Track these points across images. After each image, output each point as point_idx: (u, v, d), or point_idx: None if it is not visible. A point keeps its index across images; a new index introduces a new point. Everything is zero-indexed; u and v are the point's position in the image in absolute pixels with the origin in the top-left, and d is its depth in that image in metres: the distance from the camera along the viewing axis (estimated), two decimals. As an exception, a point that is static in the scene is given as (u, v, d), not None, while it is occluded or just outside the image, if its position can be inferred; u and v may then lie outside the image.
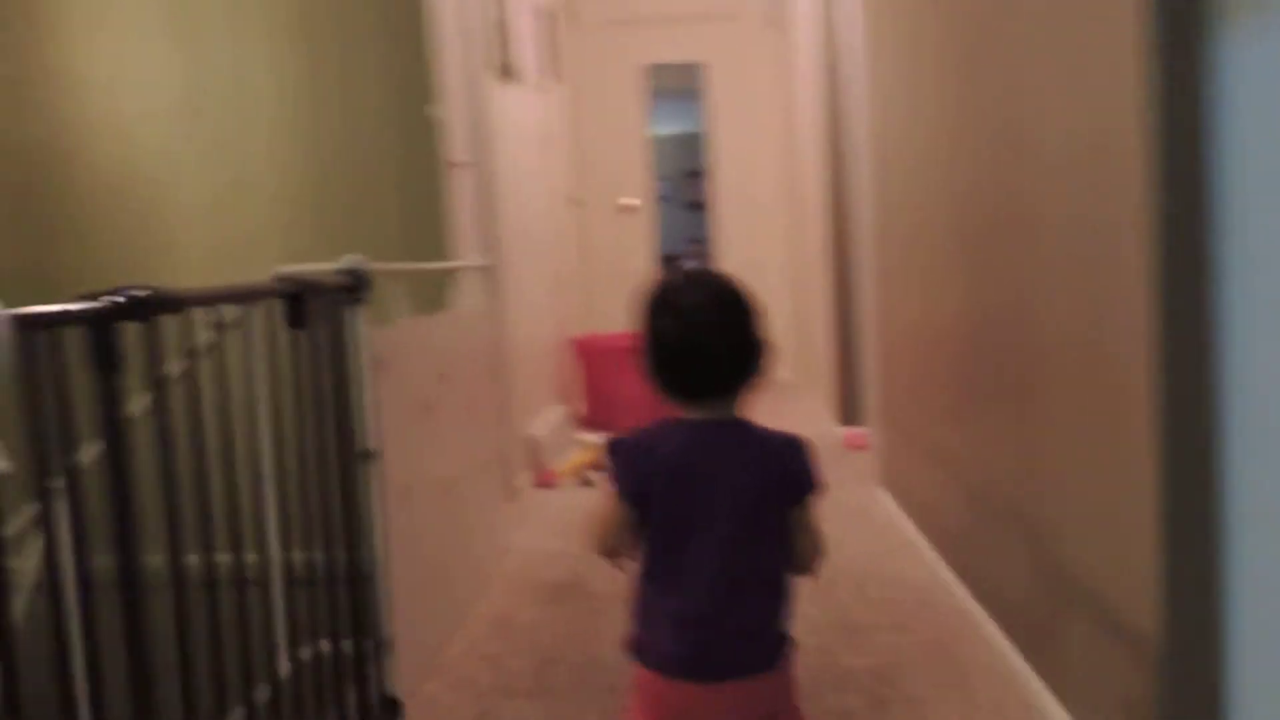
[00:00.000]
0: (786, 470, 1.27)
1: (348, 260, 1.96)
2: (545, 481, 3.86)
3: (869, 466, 3.71)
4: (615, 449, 1.28)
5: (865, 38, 3.41)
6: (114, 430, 1.14)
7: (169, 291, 1.21)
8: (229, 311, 1.50)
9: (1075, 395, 1.61)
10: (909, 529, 2.94)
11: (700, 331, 1.25)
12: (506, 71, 3.94)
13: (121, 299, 1.13)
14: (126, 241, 3.30)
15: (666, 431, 1.27)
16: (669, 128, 8.44)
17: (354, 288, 1.92)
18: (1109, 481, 1.50)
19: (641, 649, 1.31)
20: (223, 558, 1.41)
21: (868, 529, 3.04)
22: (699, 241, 7.38)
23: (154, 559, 1.23)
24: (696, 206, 7.83)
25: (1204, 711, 1.35)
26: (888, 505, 3.26)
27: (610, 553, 1.31)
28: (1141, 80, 1.31)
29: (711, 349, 1.25)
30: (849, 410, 4.56)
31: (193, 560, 1.33)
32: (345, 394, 1.85)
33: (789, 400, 5.81)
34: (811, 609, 2.38)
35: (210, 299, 1.40)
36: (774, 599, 1.28)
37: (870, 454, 3.72)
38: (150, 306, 1.18)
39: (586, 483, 3.87)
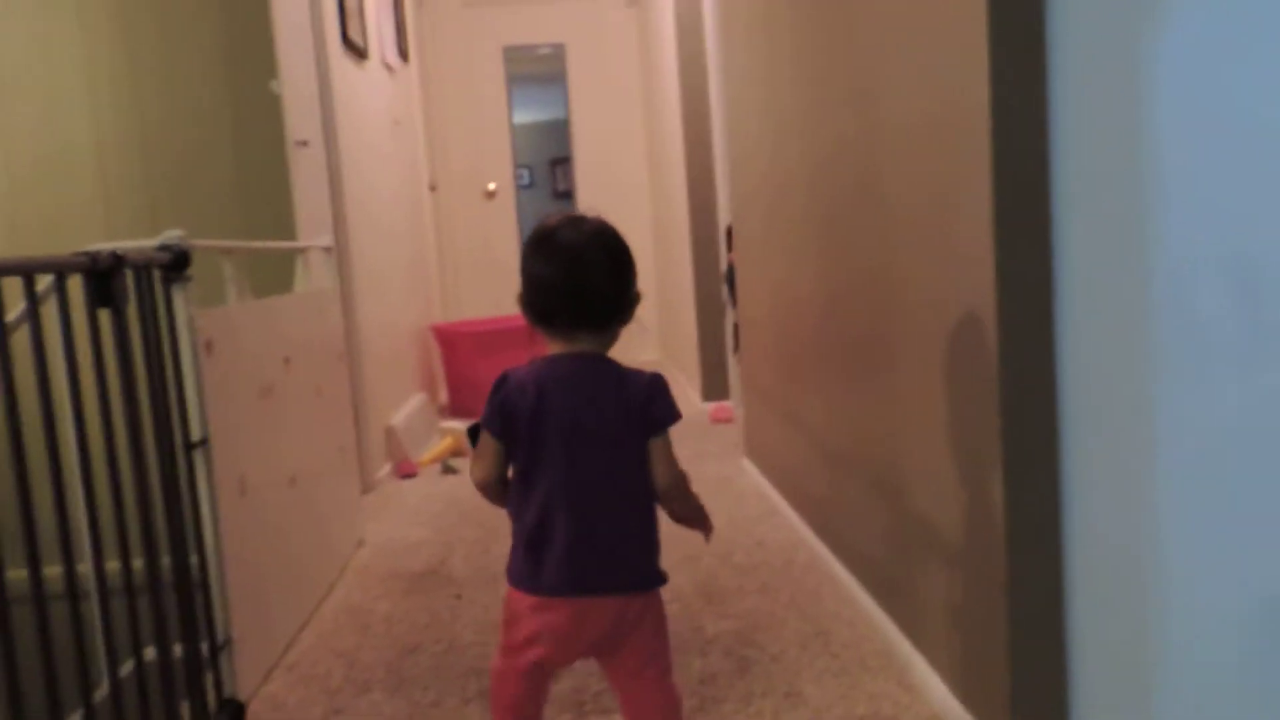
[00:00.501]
0: (647, 404, 1.32)
1: (166, 235, 1.82)
2: (406, 471, 3.74)
3: (734, 439, 3.73)
4: (494, 385, 1.35)
5: (719, 14, 3.41)
6: None
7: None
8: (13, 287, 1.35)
9: (927, 357, 1.62)
10: (773, 496, 2.96)
11: (576, 267, 1.32)
12: (354, 49, 3.78)
13: None
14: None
15: (537, 367, 1.35)
16: (533, 115, 8.32)
17: (173, 265, 1.79)
18: (958, 438, 1.52)
19: (509, 569, 1.37)
20: (17, 573, 1.27)
21: (733, 498, 3.05)
22: (566, 229, 7.30)
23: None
24: (564, 195, 7.75)
25: (1049, 648, 1.38)
26: (753, 475, 3.27)
27: (484, 485, 1.38)
28: (985, 56, 1.33)
29: (587, 284, 1.32)
30: (714, 386, 4.59)
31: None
32: (164, 379, 1.71)
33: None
34: (677, 577, 2.36)
35: (-11, 270, 1.25)
36: (632, 525, 1.35)
37: (735, 427, 3.74)
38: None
39: (449, 470, 3.76)
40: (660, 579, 1.37)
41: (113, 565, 1.51)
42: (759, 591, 2.25)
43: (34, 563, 1.27)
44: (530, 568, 1.34)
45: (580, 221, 1.38)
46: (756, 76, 2.85)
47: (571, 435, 1.32)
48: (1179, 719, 1.43)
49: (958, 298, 1.47)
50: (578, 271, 1.32)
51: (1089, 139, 1.33)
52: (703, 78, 4.39)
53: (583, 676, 1.84)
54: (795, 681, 1.79)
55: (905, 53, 1.65)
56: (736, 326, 3.79)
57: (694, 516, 1.41)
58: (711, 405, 4.47)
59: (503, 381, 1.35)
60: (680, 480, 1.36)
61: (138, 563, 1.56)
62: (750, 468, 3.34)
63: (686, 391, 5.07)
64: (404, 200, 4.79)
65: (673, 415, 1.35)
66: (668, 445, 1.35)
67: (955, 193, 1.46)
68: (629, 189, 6.67)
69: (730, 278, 3.83)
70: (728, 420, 4.18)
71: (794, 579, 2.31)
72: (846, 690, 1.74)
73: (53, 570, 1.30)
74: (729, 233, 3.73)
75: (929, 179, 1.57)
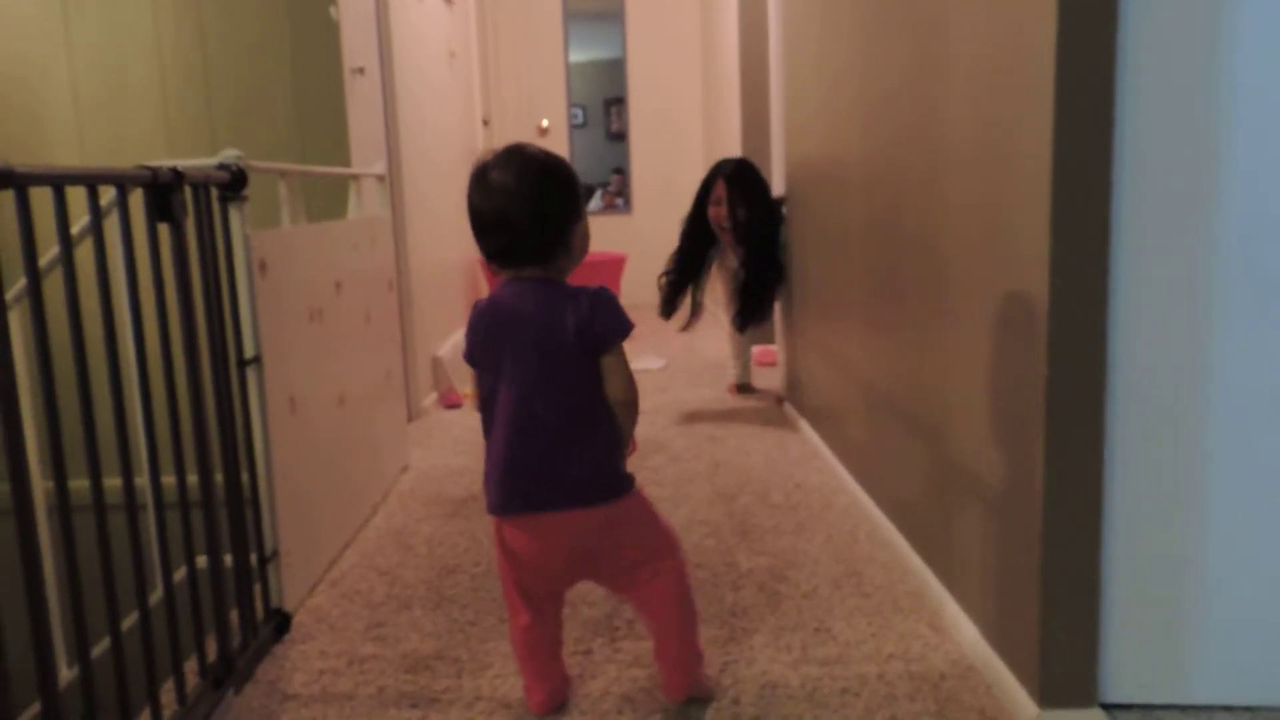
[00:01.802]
0: (590, 319, 1.37)
1: (224, 155, 1.85)
2: (451, 402, 3.80)
3: (778, 382, 3.73)
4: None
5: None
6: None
7: (-1, 165, 1.10)
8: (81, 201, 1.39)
9: (974, 304, 1.61)
10: (815, 440, 2.97)
11: (500, 201, 1.37)
12: (410, -22, 3.77)
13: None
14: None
15: (492, 294, 1.44)
16: (590, 53, 8.22)
17: (231, 184, 1.82)
18: (1002, 386, 1.51)
19: (486, 495, 1.45)
20: (81, 483, 1.31)
21: (773, 441, 3.06)
22: (620, 172, 7.24)
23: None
24: (618, 136, 7.66)
25: (1082, 595, 1.38)
26: (794, 417, 3.28)
27: (481, 414, 1.47)
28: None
29: (508, 218, 1.37)
30: (760, 330, 4.56)
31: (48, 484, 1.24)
32: (220, 296, 1.75)
33: (704, 322, 5.81)
34: (713, 514, 2.39)
35: (56, 179, 1.29)
36: (577, 441, 1.39)
37: (778, 371, 3.73)
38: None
39: (495, 402, 3.81)
40: (616, 490, 1.41)
41: (169, 480, 1.57)
42: (795, 531, 2.26)
43: (95, 474, 1.32)
44: (491, 488, 1.42)
45: (513, 155, 1.40)
46: (815, 13, 2.79)
47: (513, 356, 1.38)
48: (1211, 671, 1.43)
49: (1009, 246, 1.45)
50: (502, 205, 1.37)
51: (1158, 87, 1.29)
52: (762, 14, 4.31)
53: (616, 603, 1.88)
54: (826, 618, 1.81)
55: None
56: (699, 302, 3.67)
57: (633, 427, 1.46)
58: (756, 349, 4.46)
59: (473, 309, 1.45)
60: (631, 399, 1.42)
61: (192, 477, 1.61)
62: (792, 410, 3.34)
63: (732, 334, 5.06)
64: (458, 134, 4.79)
65: (618, 329, 1.38)
66: (619, 360, 1.40)
67: (1012, 138, 1.43)
68: (683, 130, 6.61)
69: (693, 230, 3.61)
70: (771, 364, 4.18)
71: (830, 521, 2.32)
72: (877, 629, 1.76)
73: (112, 482, 1.35)
74: (706, 184, 3.54)
75: (986, 122, 1.54)
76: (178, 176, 1.57)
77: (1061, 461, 1.36)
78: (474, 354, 1.45)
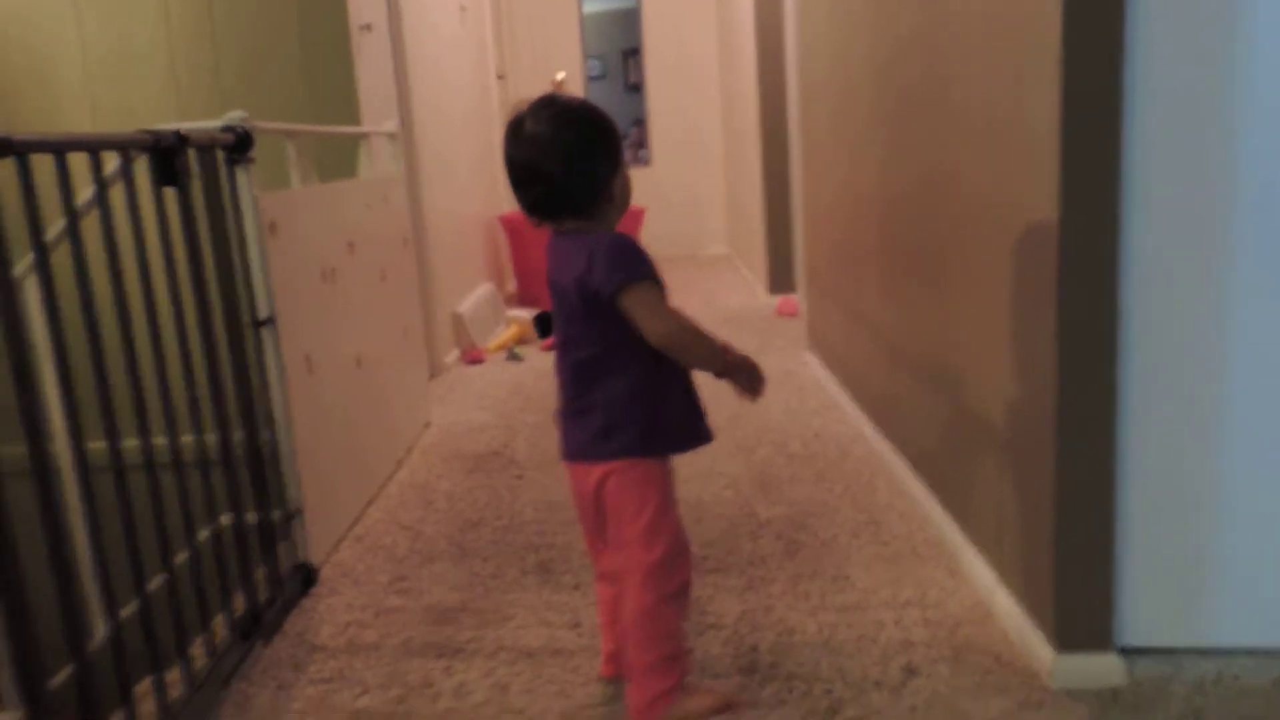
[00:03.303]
0: (589, 272, 1.28)
1: (230, 117, 1.84)
2: (473, 358, 3.81)
3: (799, 332, 3.71)
4: None
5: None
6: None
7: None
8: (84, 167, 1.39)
9: (987, 254, 1.59)
10: (834, 389, 2.95)
11: (536, 155, 1.30)
12: (416, -70, 3.72)
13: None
14: (10, 116, 3.12)
15: (546, 246, 1.40)
16: (605, 3, 8.11)
17: (236, 146, 1.81)
18: (1015, 332, 1.49)
19: None
20: (98, 444, 1.32)
21: (793, 390, 3.05)
22: (640, 124, 7.16)
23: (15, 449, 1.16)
24: (635, 88, 7.57)
25: (1096, 540, 1.37)
26: (815, 368, 3.26)
27: None
28: None
29: (545, 171, 1.30)
30: (781, 280, 4.54)
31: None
32: (230, 258, 1.75)
33: (725, 271, 5.79)
34: (732, 465, 2.39)
35: (58, 146, 1.29)
36: (584, 395, 1.35)
37: (799, 321, 3.71)
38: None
39: (514, 357, 3.82)
40: (611, 449, 1.33)
41: (188, 440, 1.58)
42: (813, 481, 2.26)
43: (112, 433, 1.33)
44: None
45: (546, 105, 1.33)
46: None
47: (558, 307, 1.37)
48: (1232, 614, 1.42)
49: (1021, 196, 1.42)
50: (536, 157, 1.30)
51: (1171, 31, 1.25)
52: (777, -42, 4.22)
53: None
54: (844, 566, 1.81)
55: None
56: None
57: (712, 361, 1.33)
58: (778, 298, 4.44)
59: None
60: (675, 333, 1.29)
61: (210, 437, 1.63)
62: (813, 360, 3.33)
63: (753, 285, 5.04)
64: (471, 89, 4.75)
65: (623, 276, 1.27)
66: (643, 300, 1.28)
67: (1021, 86, 1.39)
68: (700, 80, 6.53)
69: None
70: (793, 314, 4.15)
71: (849, 470, 2.32)
72: (895, 576, 1.76)
73: (132, 444, 1.37)
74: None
75: (995, 72, 1.50)
76: (181, 140, 1.56)
77: (1075, 405, 1.34)
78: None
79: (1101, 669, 1.39)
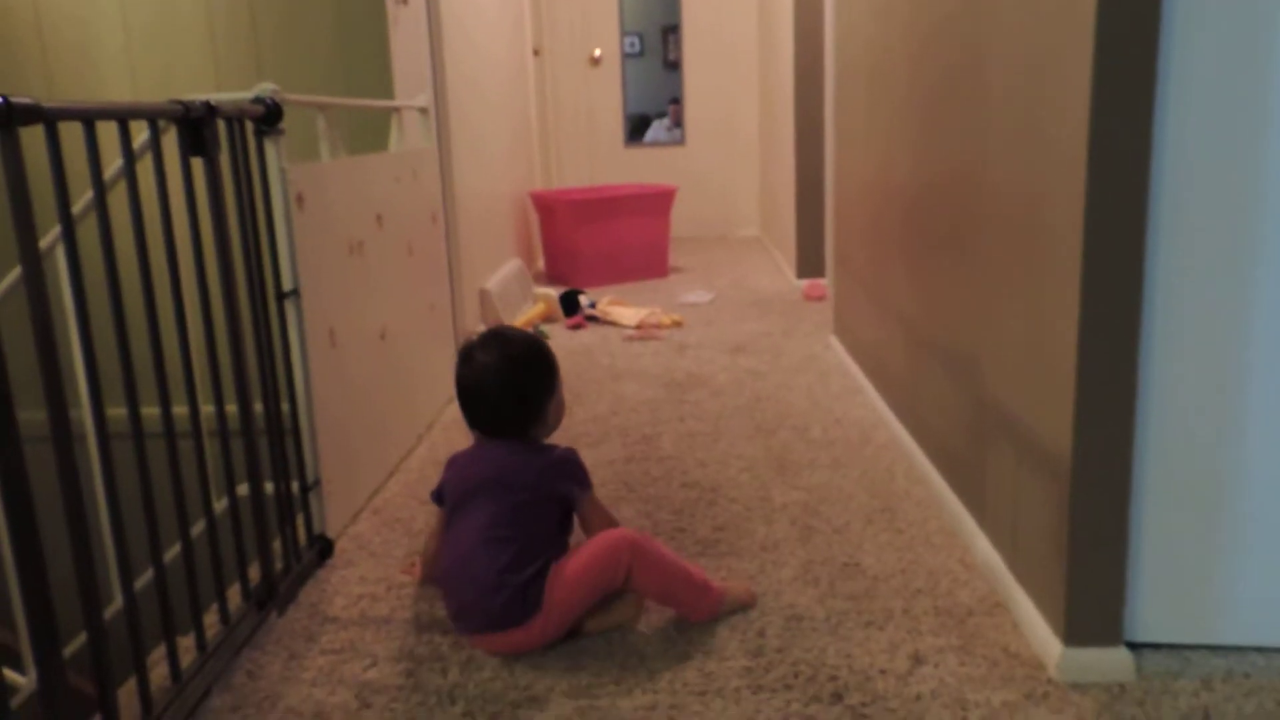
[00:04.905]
0: (556, 481, 1.60)
1: (260, 89, 1.85)
2: (500, 334, 3.82)
3: (825, 317, 3.69)
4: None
5: None
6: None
7: (26, 102, 1.12)
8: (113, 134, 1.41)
9: (1012, 244, 1.57)
10: (857, 375, 2.94)
11: (483, 381, 1.61)
12: (454, -97, 3.71)
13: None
14: (50, 83, 3.16)
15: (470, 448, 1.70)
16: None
17: (266, 118, 1.83)
18: (1036, 323, 1.47)
19: None
20: (118, 412, 1.34)
21: (816, 375, 3.04)
22: (677, 102, 7.11)
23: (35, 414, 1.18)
24: (674, 65, 7.52)
25: (1112, 529, 1.36)
26: (839, 353, 3.25)
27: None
28: None
29: (491, 397, 1.61)
30: (809, 264, 4.52)
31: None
32: (256, 229, 1.77)
33: (756, 253, 5.77)
34: (750, 448, 2.39)
35: (86, 114, 1.31)
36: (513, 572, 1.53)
37: (826, 306, 3.69)
38: (6, 116, 1.10)
39: (540, 335, 3.84)
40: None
41: (209, 410, 1.61)
42: (831, 466, 2.26)
43: (132, 402, 1.36)
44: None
45: (494, 339, 1.63)
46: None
47: (474, 499, 1.62)
48: (1244, 611, 1.40)
49: (1048, 188, 1.40)
50: (484, 383, 1.61)
51: (1208, 25, 1.23)
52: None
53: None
54: (855, 553, 1.81)
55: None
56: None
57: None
58: (805, 282, 4.42)
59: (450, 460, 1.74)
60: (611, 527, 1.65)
61: (232, 407, 1.65)
62: (837, 345, 3.31)
63: (783, 268, 5.02)
64: (507, 64, 4.75)
65: (580, 486, 1.63)
66: (589, 508, 1.64)
67: (1053, 75, 1.37)
68: (738, 61, 6.48)
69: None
70: (820, 298, 4.13)
71: (868, 456, 2.31)
72: (906, 564, 1.76)
73: (151, 410, 1.39)
74: None
75: (1028, 62, 1.48)
76: (210, 110, 1.58)
77: (1093, 399, 1.33)
78: (439, 496, 1.70)
79: (1109, 663, 1.38)
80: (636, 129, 6.92)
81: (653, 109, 7.49)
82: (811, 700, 1.37)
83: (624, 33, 6.68)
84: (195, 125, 1.57)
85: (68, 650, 1.45)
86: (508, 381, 1.61)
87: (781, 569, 1.76)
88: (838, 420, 2.59)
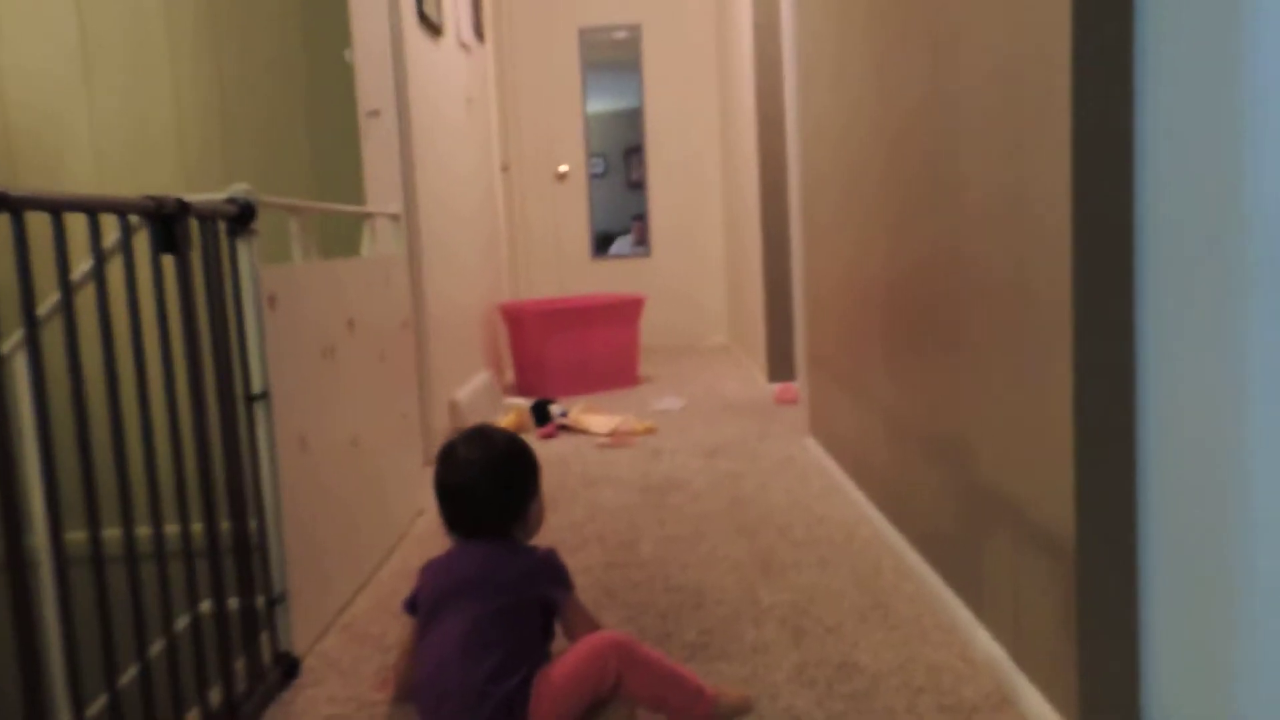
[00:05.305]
0: (539, 582, 1.53)
1: (234, 189, 1.84)
2: (471, 444, 3.76)
3: (798, 420, 3.67)
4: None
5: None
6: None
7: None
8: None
9: (999, 332, 1.56)
10: (836, 473, 2.90)
11: (468, 476, 1.55)
12: (429, 26, 3.81)
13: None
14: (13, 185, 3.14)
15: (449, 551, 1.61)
16: (608, 104, 8.28)
17: (239, 217, 1.81)
18: (1029, 407, 1.46)
19: None
20: (76, 535, 1.26)
21: (795, 476, 2.99)
22: (640, 219, 7.23)
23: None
24: (637, 185, 7.67)
25: (1122, 608, 1.31)
26: (815, 453, 3.21)
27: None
28: (1065, 38, 1.26)
29: (475, 492, 1.55)
30: (780, 367, 4.53)
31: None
32: (227, 330, 1.73)
33: (725, 360, 5.78)
34: (734, 550, 2.33)
35: (55, 204, 1.27)
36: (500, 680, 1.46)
37: (800, 407, 3.68)
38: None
39: (514, 444, 3.77)
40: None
41: (172, 528, 1.52)
42: (817, 565, 2.20)
43: (94, 525, 1.28)
44: None
45: (479, 435, 1.59)
46: (828, 50, 2.78)
47: (442, 604, 1.55)
48: (1263, 700, 1.35)
49: (1033, 274, 1.41)
50: (468, 478, 1.55)
51: (1182, 110, 1.25)
52: (777, 53, 4.32)
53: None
54: (851, 653, 1.74)
55: (980, 34, 1.58)
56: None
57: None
58: (777, 386, 4.41)
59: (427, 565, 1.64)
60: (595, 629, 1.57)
61: (197, 526, 1.57)
62: (814, 446, 3.28)
63: (753, 374, 5.02)
64: (476, 178, 4.81)
65: (564, 588, 1.57)
66: (571, 610, 1.57)
67: (1029, 162, 1.39)
68: (701, 173, 6.63)
69: None
70: (792, 401, 4.12)
71: (854, 553, 2.26)
72: (904, 661, 1.69)
73: (112, 533, 1.31)
74: None
75: (1003, 149, 1.51)
76: (183, 207, 1.56)
77: (1093, 483, 1.30)
78: (413, 604, 1.60)
79: (1127, 758, 1.31)
80: (601, 246, 7.03)
81: (617, 226, 7.61)
82: (818, 809, 1.29)
83: (591, 154, 6.82)
84: (168, 221, 1.54)
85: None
86: (493, 477, 1.56)
87: (775, 671, 1.69)
88: (820, 519, 2.54)
